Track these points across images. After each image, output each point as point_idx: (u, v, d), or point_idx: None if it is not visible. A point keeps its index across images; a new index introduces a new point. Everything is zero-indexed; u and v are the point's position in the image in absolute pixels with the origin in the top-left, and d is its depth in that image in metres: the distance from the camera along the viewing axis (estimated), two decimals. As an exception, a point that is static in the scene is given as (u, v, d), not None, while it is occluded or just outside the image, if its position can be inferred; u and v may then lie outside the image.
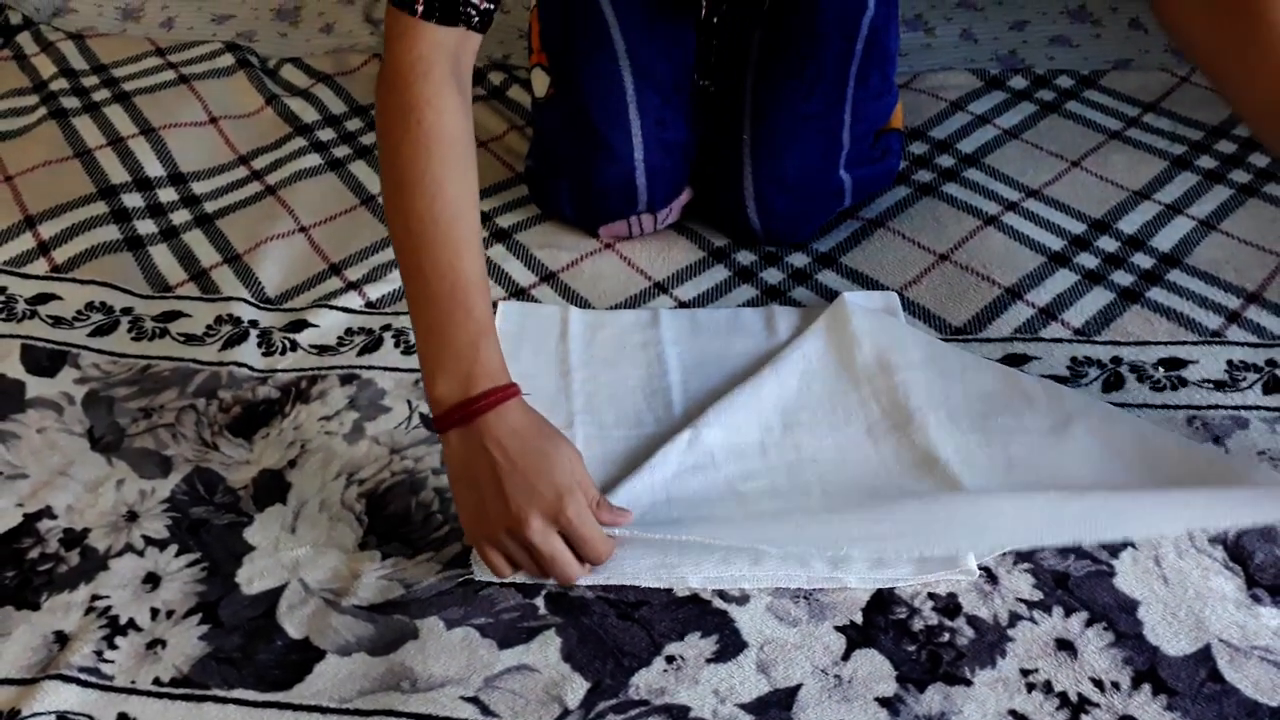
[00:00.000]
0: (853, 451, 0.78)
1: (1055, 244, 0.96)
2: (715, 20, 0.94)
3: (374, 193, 1.06)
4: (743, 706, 0.63)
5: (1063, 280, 0.93)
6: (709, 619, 0.68)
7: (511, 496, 0.65)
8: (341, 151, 1.12)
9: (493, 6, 0.72)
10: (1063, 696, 0.63)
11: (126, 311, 0.93)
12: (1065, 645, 0.66)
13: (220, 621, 0.69)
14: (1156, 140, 1.08)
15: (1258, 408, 0.80)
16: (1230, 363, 0.84)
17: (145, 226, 1.02)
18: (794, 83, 0.94)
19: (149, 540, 0.74)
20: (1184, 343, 0.86)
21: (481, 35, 0.73)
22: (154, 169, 1.09)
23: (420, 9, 0.69)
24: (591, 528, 0.67)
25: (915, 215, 1.00)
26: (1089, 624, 0.67)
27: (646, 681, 0.65)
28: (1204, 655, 0.65)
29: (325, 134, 1.14)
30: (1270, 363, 0.84)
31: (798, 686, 0.64)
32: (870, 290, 0.92)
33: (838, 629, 0.67)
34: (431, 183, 0.69)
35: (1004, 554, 0.71)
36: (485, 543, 0.68)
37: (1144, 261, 0.94)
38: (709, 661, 0.66)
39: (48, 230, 1.01)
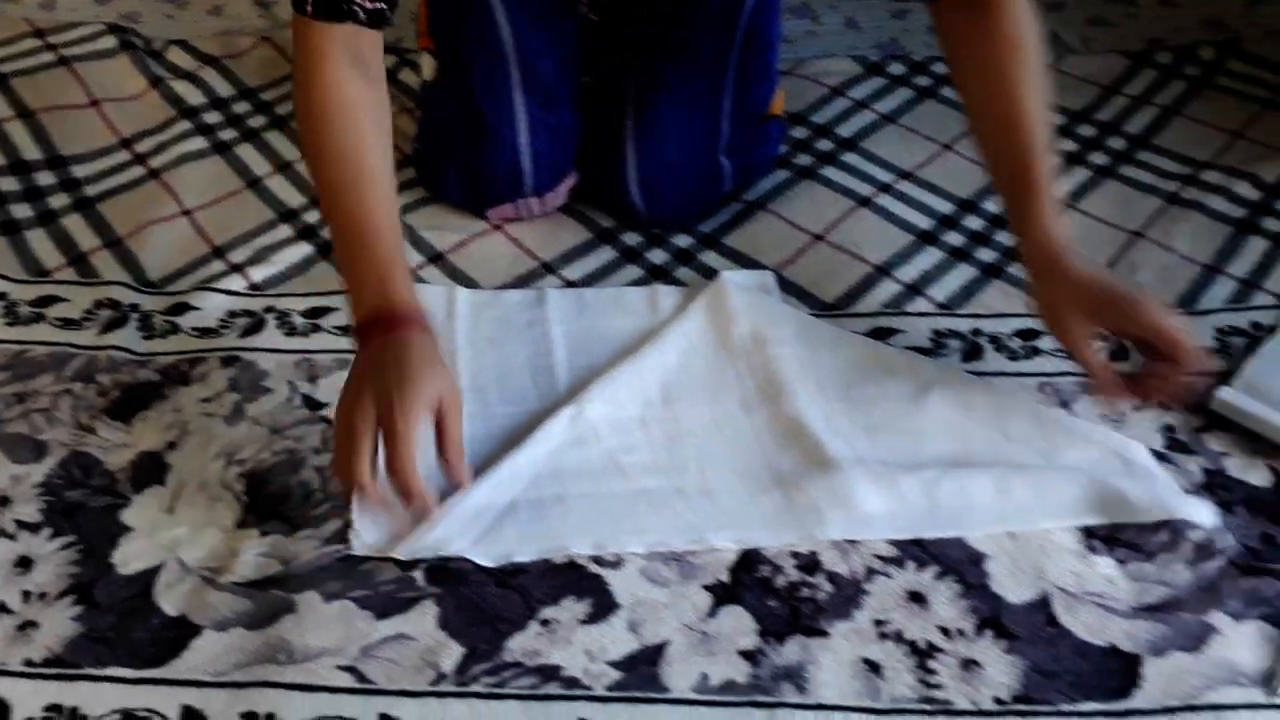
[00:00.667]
0: (728, 424, 0.81)
1: (924, 223, 1.01)
2: (595, 18, 0.96)
3: (260, 175, 1.06)
4: (612, 664, 0.66)
5: (929, 258, 0.97)
6: (584, 583, 0.71)
7: (366, 383, 0.70)
8: (228, 134, 1.11)
9: (384, 6, 0.77)
10: (912, 644, 0.68)
11: (1, 296, 0.91)
12: (917, 597, 0.71)
13: (95, 602, 0.69)
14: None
15: (1103, 373, 0.86)
16: (1080, 333, 0.90)
17: (21, 210, 1.00)
18: (674, 70, 0.97)
19: (21, 524, 0.74)
20: (1037, 315, 0.91)
21: (377, 32, 0.78)
22: (31, 152, 1.07)
23: (309, 9, 0.76)
24: (403, 428, 0.68)
25: (794, 198, 1.04)
26: (940, 577, 0.72)
27: (521, 644, 0.67)
28: (1042, 602, 0.70)
29: (211, 117, 1.13)
30: (1116, 332, 0.90)
31: (665, 643, 0.68)
32: (749, 270, 0.96)
33: (705, 588, 0.71)
34: (333, 150, 0.77)
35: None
36: (349, 410, 0.70)
37: (1006, 239, 0.99)
38: (582, 623, 0.69)
39: (-83, 215, 0.99)
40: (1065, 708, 0.65)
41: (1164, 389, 0.76)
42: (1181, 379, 0.74)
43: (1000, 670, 0.66)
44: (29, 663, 0.65)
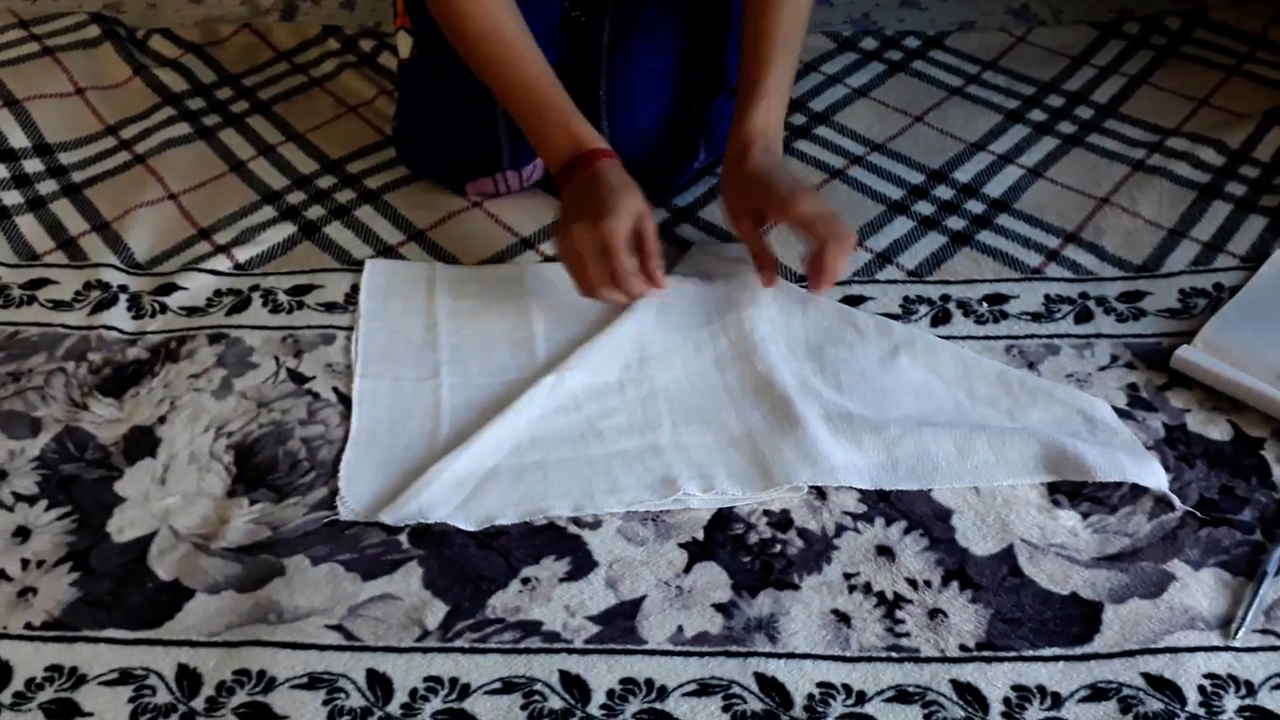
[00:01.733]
0: (701, 381, 0.84)
1: (895, 194, 1.03)
2: (581, 18, 0.99)
3: (243, 158, 1.08)
4: (591, 618, 0.69)
5: (900, 227, 0.99)
6: (563, 543, 0.73)
7: (575, 209, 0.83)
8: (211, 120, 1.13)
9: None
10: (880, 595, 0.70)
11: (-8, 281, 0.94)
12: (885, 551, 0.73)
13: (91, 569, 0.71)
14: (993, 95, 1.16)
15: (1068, 336, 0.88)
16: (1047, 296, 0.92)
17: (11, 197, 1.02)
18: (647, 42, 0.98)
19: (18, 496, 0.76)
20: (1006, 280, 0.94)
21: None
22: (18, 140, 1.08)
23: None
24: (616, 241, 0.80)
25: (768, 170, 1.06)
26: (907, 531, 0.74)
27: (503, 602, 0.70)
28: (1007, 554, 0.73)
29: (194, 103, 1.15)
30: (1083, 295, 0.92)
31: (642, 598, 0.70)
32: (723, 242, 0.98)
33: (681, 545, 0.73)
34: (476, 32, 0.87)
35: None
36: (572, 241, 0.82)
37: (975, 207, 1.01)
38: (561, 581, 0.71)
39: (-92, 203, 1.00)
40: (1028, 653, 0.67)
41: (821, 274, 0.83)
42: (832, 260, 0.82)
43: (965, 619, 0.69)
44: (29, 626, 0.68)
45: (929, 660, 0.67)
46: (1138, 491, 0.76)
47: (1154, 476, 0.76)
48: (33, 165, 1.06)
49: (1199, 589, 0.70)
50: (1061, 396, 0.82)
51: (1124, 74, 1.19)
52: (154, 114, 1.13)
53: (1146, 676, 0.66)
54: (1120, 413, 0.81)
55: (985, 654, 0.67)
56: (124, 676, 0.65)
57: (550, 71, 0.88)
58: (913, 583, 0.71)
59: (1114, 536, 0.74)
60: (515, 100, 0.88)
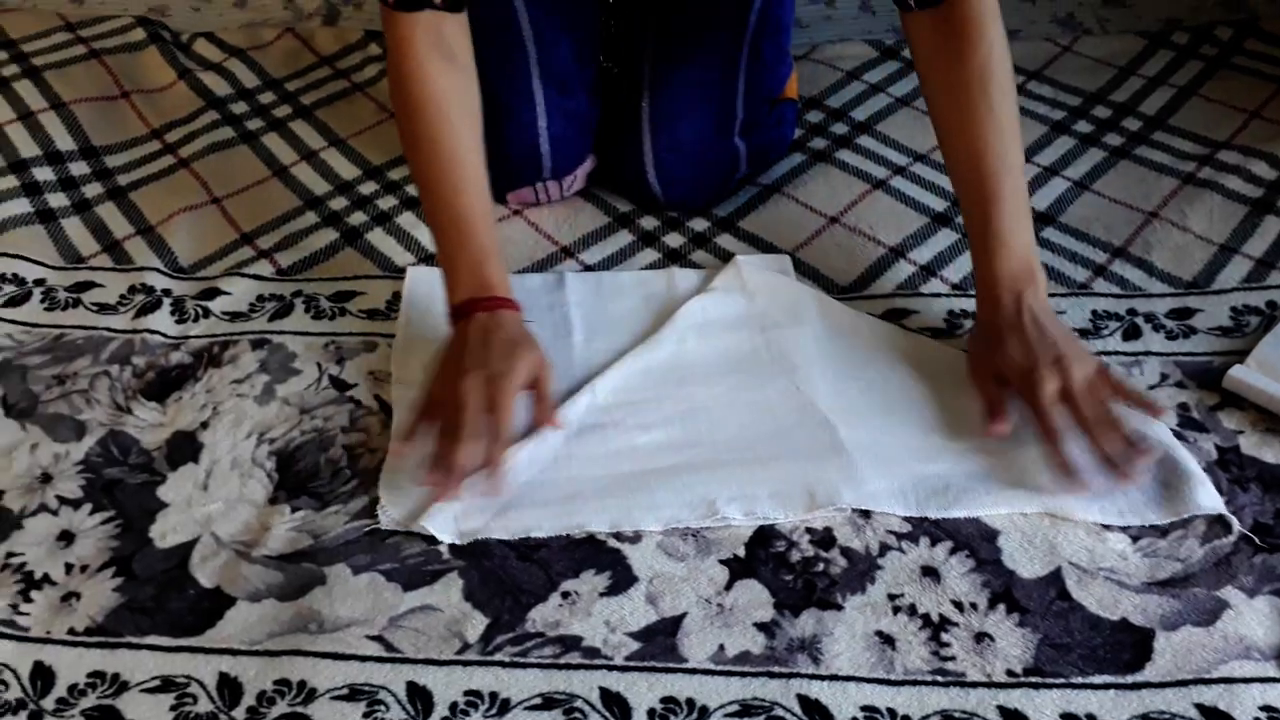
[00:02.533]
0: (741, 398, 0.83)
1: (939, 205, 1.02)
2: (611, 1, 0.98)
3: (286, 164, 1.08)
4: (631, 635, 0.68)
5: (944, 239, 0.98)
6: (603, 557, 0.73)
7: (469, 358, 0.77)
8: (254, 124, 1.14)
9: None
10: (925, 617, 0.69)
11: (39, 283, 0.94)
12: (930, 572, 0.72)
13: (134, 574, 0.72)
14: (1038, 106, 1.14)
15: (1116, 353, 0.87)
16: (1095, 312, 0.90)
17: (57, 200, 1.03)
18: (690, 53, 0.98)
19: (63, 500, 0.77)
20: (1053, 295, 0.91)
21: (458, 13, 0.83)
22: (65, 143, 1.09)
23: (390, 0, 0.80)
24: (505, 401, 0.75)
25: (809, 180, 1.05)
26: (952, 552, 0.73)
27: (543, 615, 0.69)
28: (1055, 577, 0.71)
29: (238, 107, 1.16)
30: (1130, 312, 0.91)
31: (683, 615, 0.69)
32: (765, 253, 0.97)
33: (722, 562, 0.72)
34: (426, 140, 0.82)
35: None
36: (433, 395, 0.77)
37: (1021, 221, 1.00)
38: (602, 595, 0.70)
39: (-42, 205, 1.02)
40: (1077, 680, 0.66)
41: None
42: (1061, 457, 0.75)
43: (1012, 643, 0.68)
44: (72, 631, 0.68)
45: (975, 685, 0.66)
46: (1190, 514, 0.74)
47: (1208, 499, 0.74)
48: (79, 168, 1.07)
49: (1254, 617, 0.69)
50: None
51: (1173, 85, 1.17)
52: (198, 118, 1.14)
53: (1200, 708, 0.64)
54: (1171, 433, 0.80)
55: (1033, 680, 0.66)
56: (166, 684, 0.66)
57: (487, 205, 0.83)
58: (958, 605, 0.70)
59: (1165, 561, 0.72)
60: (442, 219, 0.82)
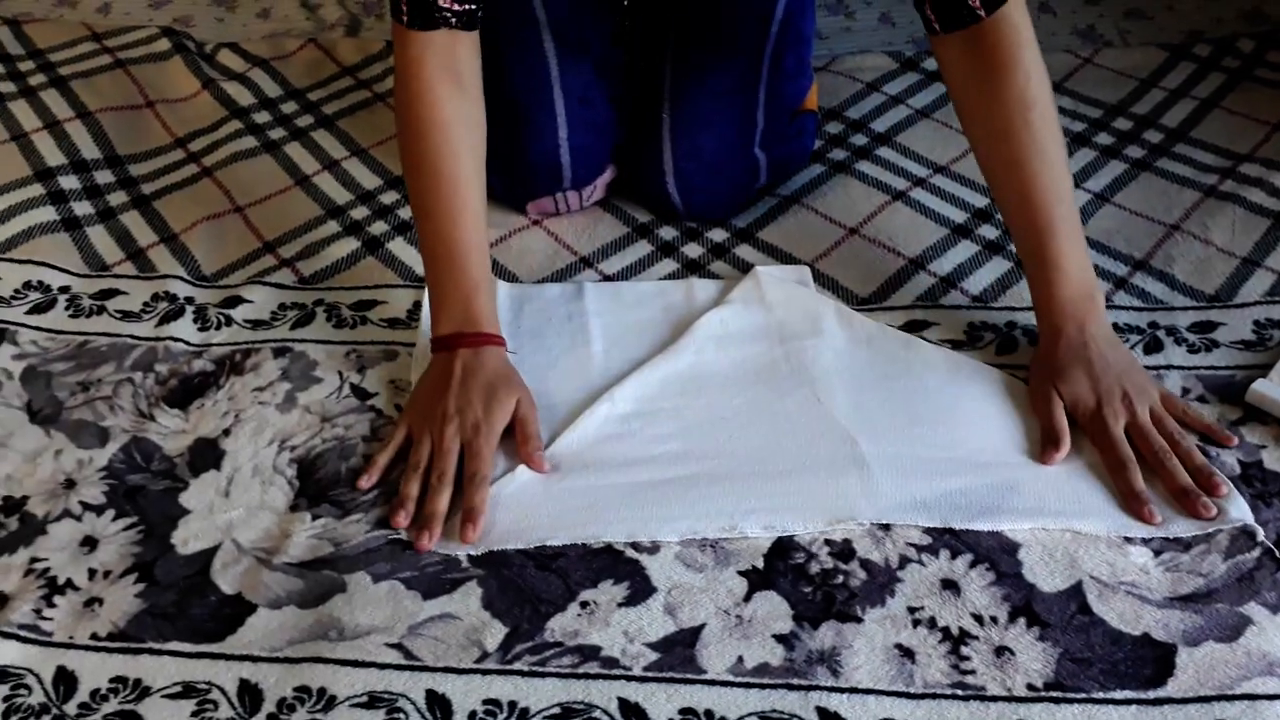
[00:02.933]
0: (761, 410, 0.83)
1: (958, 217, 1.02)
2: (626, 2, 0.98)
3: (308, 173, 1.09)
4: (650, 645, 0.68)
5: (964, 251, 0.98)
6: (622, 567, 0.73)
7: (452, 400, 0.77)
8: (277, 134, 1.14)
9: (473, 7, 0.80)
10: (945, 631, 0.69)
11: (64, 290, 0.95)
12: (950, 585, 0.71)
13: (156, 580, 0.72)
14: (1059, 118, 1.14)
15: (1138, 366, 0.87)
16: (1116, 325, 0.89)
17: (82, 208, 1.04)
18: (711, 63, 0.98)
19: (86, 506, 0.77)
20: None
21: (472, 32, 0.82)
22: (90, 151, 1.11)
23: (405, 19, 0.80)
24: (486, 450, 0.76)
25: (829, 192, 1.05)
26: (973, 565, 0.72)
27: (561, 625, 0.69)
28: (1075, 591, 0.71)
29: (261, 117, 1.17)
30: (1152, 324, 0.90)
31: (701, 626, 0.69)
32: (784, 264, 0.97)
33: (740, 573, 0.72)
34: (429, 164, 0.81)
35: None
36: (411, 433, 0.78)
37: (1041, 233, 1.00)
38: (620, 606, 0.70)
39: (-15, 212, 1.03)
40: (1098, 695, 0.65)
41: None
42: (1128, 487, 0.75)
43: (1033, 657, 0.67)
44: (95, 637, 0.69)
45: (995, 699, 0.65)
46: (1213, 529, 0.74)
47: (1238, 510, 0.74)
48: (103, 176, 1.08)
49: (1277, 634, 0.68)
50: None
51: (1194, 97, 1.16)
52: (221, 127, 1.15)
53: (1223, 724, 0.64)
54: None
55: (1054, 695, 0.65)
56: (187, 690, 0.66)
57: (483, 237, 0.83)
58: (979, 618, 0.70)
59: (1187, 576, 0.72)
60: (436, 247, 0.82)
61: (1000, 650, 0.68)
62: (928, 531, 0.74)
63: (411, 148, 0.82)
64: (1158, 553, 0.73)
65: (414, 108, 0.81)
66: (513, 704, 0.65)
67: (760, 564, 0.73)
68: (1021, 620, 0.69)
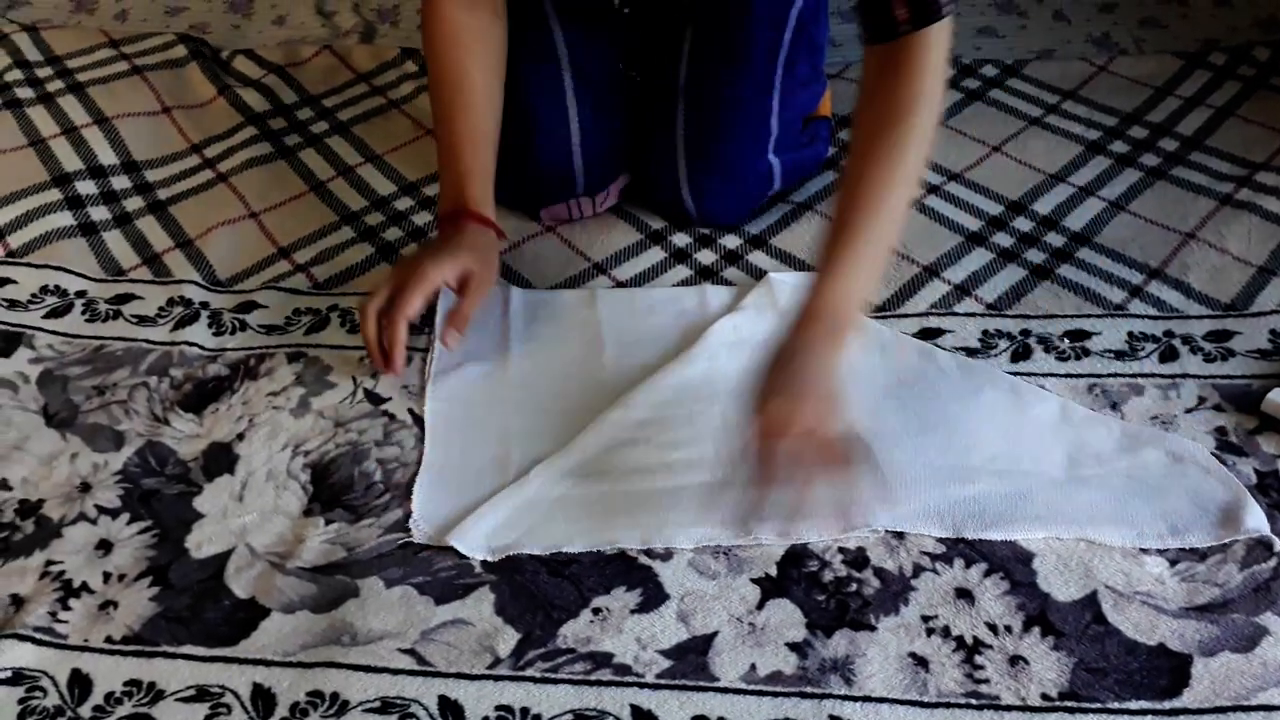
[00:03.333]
0: None
1: (973, 225, 1.02)
2: (626, 11, 0.98)
3: (323, 179, 1.10)
4: (662, 652, 0.68)
5: (978, 258, 0.98)
6: (634, 574, 0.73)
7: (446, 249, 0.86)
8: (292, 140, 1.15)
9: None
10: (959, 639, 0.69)
11: (80, 294, 0.96)
12: (964, 594, 0.71)
13: (170, 584, 0.73)
14: (1073, 126, 1.14)
15: (1153, 375, 0.86)
16: (1131, 334, 0.90)
17: (99, 213, 1.05)
18: (724, 70, 0.98)
19: (101, 509, 0.78)
20: (1089, 315, 0.92)
21: None
22: (107, 157, 1.11)
23: None
24: (414, 294, 0.83)
25: (842, 198, 1.05)
26: (987, 574, 0.72)
27: (574, 631, 0.69)
28: (1090, 600, 0.71)
29: (276, 123, 1.17)
30: (1167, 334, 0.90)
31: (714, 634, 0.69)
32: (797, 271, 0.97)
33: (753, 581, 0.72)
34: (438, 76, 0.91)
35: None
36: (397, 268, 0.87)
37: (1056, 240, 0.99)
38: (633, 612, 0.70)
39: (3, 217, 1.03)
40: (1113, 705, 0.65)
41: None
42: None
43: (1047, 667, 0.67)
44: (109, 640, 0.69)
45: (1009, 709, 0.65)
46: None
47: (1255, 520, 0.73)
48: (120, 182, 1.09)
49: (1294, 645, 0.68)
50: (1149, 438, 0.79)
51: (1210, 106, 1.16)
52: (237, 133, 1.15)
53: (1240, 736, 0.63)
54: (1213, 457, 0.79)
55: (1069, 704, 0.65)
56: (200, 693, 0.66)
57: (485, 127, 0.90)
58: (993, 627, 0.69)
59: (1203, 586, 0.71)
60: (442, 137, 0.90)
61: (1014, 659, 0.67)
62: (942, 540, 0.74)
63: (429, 61, 0.91)
64: (1173, 562, 0.72)
65: (430, 25, 0.90)
66: (525, 710, 0.65)
67: (773, 571, 0.73)
68: (1036, 629, 0.69)
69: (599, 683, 0.66)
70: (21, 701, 0.65)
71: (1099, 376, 0.86)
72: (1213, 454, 0.79)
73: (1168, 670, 0.66)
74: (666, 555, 0.74)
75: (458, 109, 0.89)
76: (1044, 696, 0.65)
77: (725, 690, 0.66)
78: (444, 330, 0.86)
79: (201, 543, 0.75)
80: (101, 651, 0.68)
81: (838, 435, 0.71)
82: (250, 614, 0.70)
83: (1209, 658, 0.67)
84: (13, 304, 0.95)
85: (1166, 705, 0.65)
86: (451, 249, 0.85)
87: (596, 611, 0.70)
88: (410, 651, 0.68)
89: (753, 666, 0.67)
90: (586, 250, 1.01)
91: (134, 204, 1.07)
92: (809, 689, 0.66)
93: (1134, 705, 0.65)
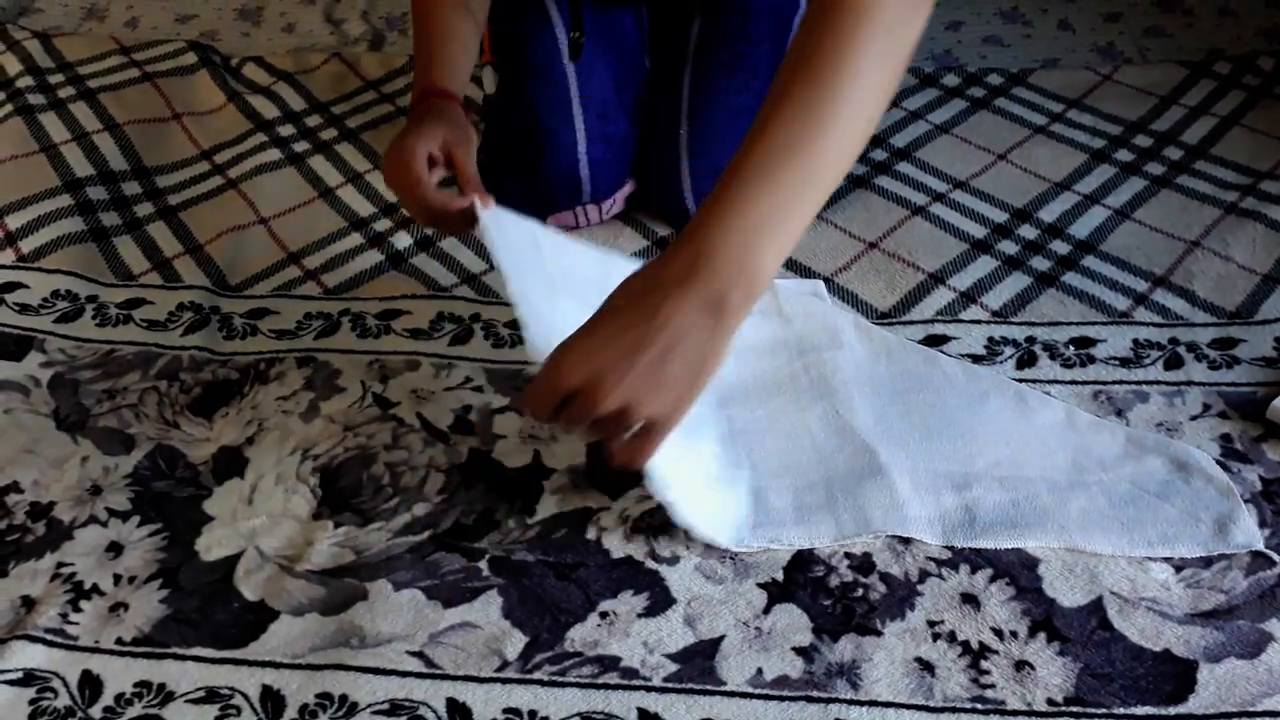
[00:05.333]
0: (780, 421, 0.83)
1: (978, 232, 1.02)
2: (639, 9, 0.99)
3: (332, 185, 1.10)
4: (669, 656, 0.68)
5: (983, 266, 0.98)
6: (641, 578, 0.73)
7: (416, 125, 0.82)
8: (301, 146, 1.16)
9: None
10: (965, 645, 0.69)
11: (91, 299, 0.97)
12: (970, 599, 0.71)
13: (180, 586, 0.73)
14: (1078, 135, 1.14)
15: (1158, 382, 0.86)
16: (1136, 341, 0.90)
17: (110, 218, 1.06)
18: (729, 78, 0.99)
19: (112, 512, 0.78)
20: (1094, 323, 0.92)
21: None
22: (118, 163, 1.12)
23: None
24: (412, 161, 0.79)
25: (848, 206, 1.06)
26: (993, 580, 0.72)
27: (581, 635, 0.70)
28: (1096, 606, 0.71)
29: (285, 130, 1.18)
30: (1173, 341, 0.90)
31: (721, 638, 0.69)
32: (800, 279, 0.97)
33: (760, 585, 0.72)
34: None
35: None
36: (386, 165, 0.83)
37: (1061, 248, 1.00)
38: (640, 616, 0.71)
39: (14, 221, 1.04)
40: (1119, 711, 0.65)
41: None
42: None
43: (1053, 672, 0.67)
44: (120, 641, 0.70)
45: (1015, 713, 0.65)
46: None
47: (1244, 535, 0.74)
48: (131, 188, 1.10)
49: (1300, 651, 0.68)
50: (1153, 445, 0.80)
51: (1215, 114, 1.16)
52: (246, 140, 1.16)
53: (1246, 742, 0.63)
54: (1215, 463, 0.79)
55: (1074, 709, 0.65)
56: (210, 695, 0.66)
57: (460, 28, 0.88)
58: (998, 633, 0.69)
59: (1208, 592, 0.71)
60: (416, 39, 0.89)
61: (1020, 665, 0.68)
62: (948, 545, 0.74)
63: None
64: (1179, 569, 0.73)
65: None
66: (533, 713, 0.65)
67: (780, 576, 0.73)
68: (1042, 635, 0.69)
69: (606, 686, 0.67)
70: (32, 702, 0.66)
71: (1104, 383, 0.86)
72: (1217, 460, 0.79)
73: (1173, 676, 0.67)
74: (673, 559, 0.74)
75: (431, 16, 0.88)
76: (1050, 702, 0.65)
77: (732, 694, 0.66)
78: (470, 189, 0.80)
79: (211, 545, 0.76)
80: (112, 653, 0.69)
81: (658, 429, 0.60)
82: (259, 616, 0.71)
83: (1215, 664, 0.67)
84: (24, 308, 0.95)
85: (1172, 711, 0.65)
86: (417, 127, 0.81)
87: (604, 615, 0.71)
88: (419, 654, 0.68)
89: (759, 670, 0.68)
90: (593, 257, 1.01)
91: (144, 209, 1.07)
92: (815, 693, 0.66)
93: (1140, 711, 0.65)
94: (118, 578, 0.74)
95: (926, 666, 0.68)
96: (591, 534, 0.76)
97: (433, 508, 0.78)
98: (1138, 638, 0.69)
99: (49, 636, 0.69)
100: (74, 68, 1.28)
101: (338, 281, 0.98)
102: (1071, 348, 0.90)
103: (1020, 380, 0.86)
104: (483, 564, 0.74)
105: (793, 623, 0.70)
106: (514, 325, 0.93)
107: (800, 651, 0.68)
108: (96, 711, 0.66)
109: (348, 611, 0.71)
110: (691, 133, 0.99)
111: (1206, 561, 0.73)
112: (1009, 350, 0.90)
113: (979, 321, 0.93)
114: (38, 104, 1.21)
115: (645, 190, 1.05)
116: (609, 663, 0.68)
